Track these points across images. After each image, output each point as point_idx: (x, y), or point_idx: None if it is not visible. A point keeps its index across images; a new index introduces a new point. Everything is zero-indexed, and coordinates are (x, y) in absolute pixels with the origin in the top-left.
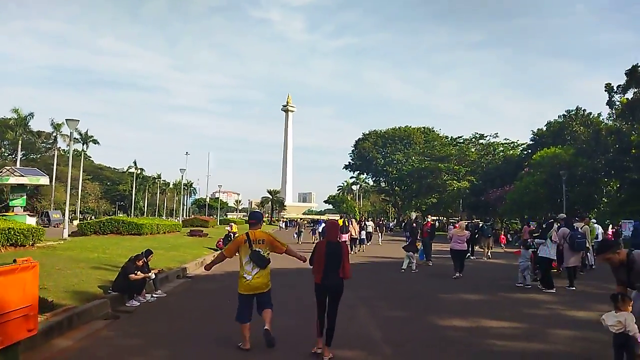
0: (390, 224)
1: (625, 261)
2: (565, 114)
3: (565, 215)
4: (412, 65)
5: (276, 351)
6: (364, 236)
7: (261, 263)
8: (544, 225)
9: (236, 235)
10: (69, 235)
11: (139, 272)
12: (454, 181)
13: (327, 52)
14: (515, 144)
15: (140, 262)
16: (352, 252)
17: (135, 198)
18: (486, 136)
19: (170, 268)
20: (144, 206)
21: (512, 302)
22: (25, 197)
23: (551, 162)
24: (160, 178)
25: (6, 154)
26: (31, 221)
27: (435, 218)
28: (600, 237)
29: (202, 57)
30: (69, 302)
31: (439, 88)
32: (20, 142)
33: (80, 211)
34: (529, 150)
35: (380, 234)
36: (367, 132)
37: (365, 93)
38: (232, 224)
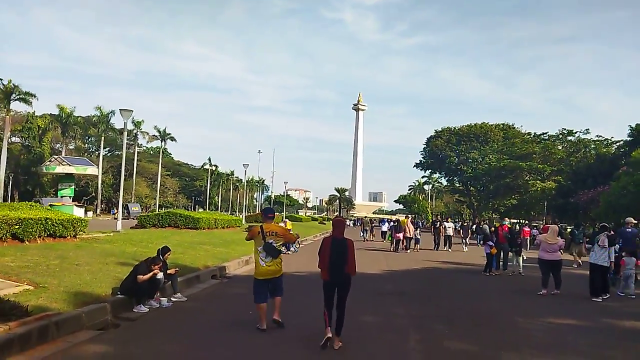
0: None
1: None
2: None
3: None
4: (491, 62)
5: (288, 340)
6: (419, 235)
7: (273, 253)
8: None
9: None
10: (128, 228)
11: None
12: (538, 181)
13: (400, 50)
14: (609, 141)
15: (157, 266)
16: (407, 251)
17: (210, 194)
18: (575, 132)
19: (207, 266)
20: (218, 202)
21: (621, 334)
22: (73, 186)
23: None
24: (233, 175)
25: (92, 149)
26: (79, 212)
27: (515, 221)
28: None
29: (276, 59)
30: (60, 306)
31: (520, 85)
32: (102, 138)
33: (159, 205)
34: (627, 148)
35: (464, 239)
36: (440, 129)
37: (439, 91)
38: (286, 220)
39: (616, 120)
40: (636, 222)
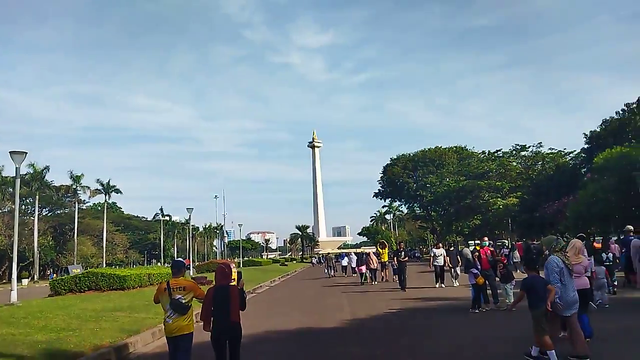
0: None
1: None
2: (625, 108)
3: (631, 227)
4: (436, 92)
5: None
6: (379, 267)
7: (181, 309)
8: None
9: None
10: (39, 298)
11: None
12: (498, 199)
13: (349, 87)
14: (563, 152)
15: None
16: (373, 283)
17: (165, 245)
18: (528, 147)
19: (98, 347)
20: (174, 253)
21: None
22: None
23: (619, 164)
24: (188, 223)
25: (29, 210)
26: None
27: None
28: None
29: (228, 105)
30: None
31: (464, 111)
32: (37, 196)
33: (108, 263)
34: (584, 155)
35: (453, 269)
36: (396, 157)
37: (390, 123)
38: (232, 266)
39: (556, 138)
40: (632, 229)
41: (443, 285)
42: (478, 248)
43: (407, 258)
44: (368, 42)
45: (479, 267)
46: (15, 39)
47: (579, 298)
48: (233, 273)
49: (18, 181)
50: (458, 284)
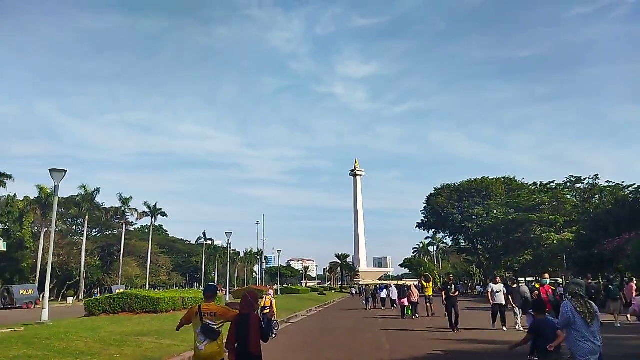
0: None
1: None
2: None
3: None
4: (479, 123)
5: None
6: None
7: (211, 335)
8: None
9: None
10: (73, 317)
11: None
12: (552, 233)
13: (391, 117)
14: (622, 185)
15: None
16: (414, 317)
17: (206, 269)
18: (584, 179)
19: None
20: (215, 277)
21: None
22: None
23: None
24: (230, 247)
25: (79, 230)
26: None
27: (531, 279)
28: None
29: (272, 133)
30: None
31: (510, 144)
32: (87, 217)
33: (151, 285)
34: None
35: (515, 308)
36: (440, 187)
37: (433, 154)
38: (269, 294)
39: (609, 172)
40: None
41: (505, 329)
42: (537, 286)
43: (457, 293)
44: (410, 73)
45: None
46: (74, 68)
47: None
48: (268, 300)
49: (56, 199)
50: (521, 327)
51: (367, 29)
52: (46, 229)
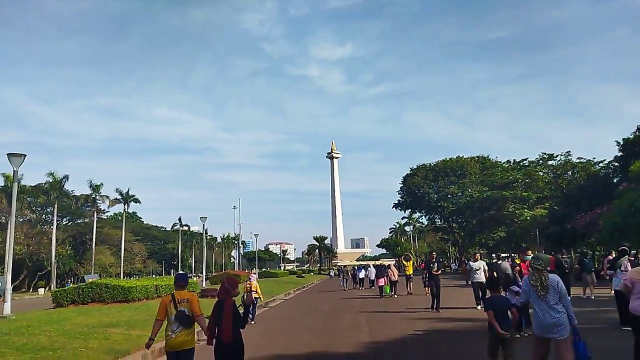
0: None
1: None
2: None
3: None
4: (454, 103)
5: None
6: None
7: (186, 322)
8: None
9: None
10: (39, 309)
11: None
12: (525, 210)
13: (367, 99)
14: (593, 161)
15: None
16: (393, 296)
17: (183, 256)
18: (556, 156)
19: None
20: (192, 263)
21: None
22: None
23: None
24: (206, 233)
25: (49, 219)
26: None
27: (505, 255)
28: None
29: (248, 117)
30: None
31: (483, 123)
32: (56, 205)
33: (126, 273)
34: (617, 164)
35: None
36: (416, 167)
37: (408, 135)
38: (252, 277)
39: (579, 148)
40: None
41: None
42: (518, 262)
43: (439, 272)
44: (385, 55)
45: (521, 283)
46: (40, 53)
47: None
48: (254, 284)
49: (16, 185)
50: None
51: (342, 10)
52: (15, 218)
